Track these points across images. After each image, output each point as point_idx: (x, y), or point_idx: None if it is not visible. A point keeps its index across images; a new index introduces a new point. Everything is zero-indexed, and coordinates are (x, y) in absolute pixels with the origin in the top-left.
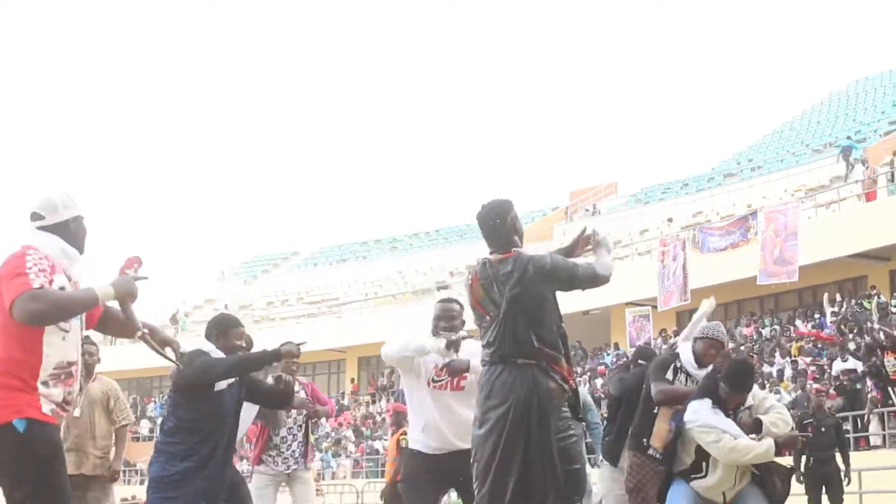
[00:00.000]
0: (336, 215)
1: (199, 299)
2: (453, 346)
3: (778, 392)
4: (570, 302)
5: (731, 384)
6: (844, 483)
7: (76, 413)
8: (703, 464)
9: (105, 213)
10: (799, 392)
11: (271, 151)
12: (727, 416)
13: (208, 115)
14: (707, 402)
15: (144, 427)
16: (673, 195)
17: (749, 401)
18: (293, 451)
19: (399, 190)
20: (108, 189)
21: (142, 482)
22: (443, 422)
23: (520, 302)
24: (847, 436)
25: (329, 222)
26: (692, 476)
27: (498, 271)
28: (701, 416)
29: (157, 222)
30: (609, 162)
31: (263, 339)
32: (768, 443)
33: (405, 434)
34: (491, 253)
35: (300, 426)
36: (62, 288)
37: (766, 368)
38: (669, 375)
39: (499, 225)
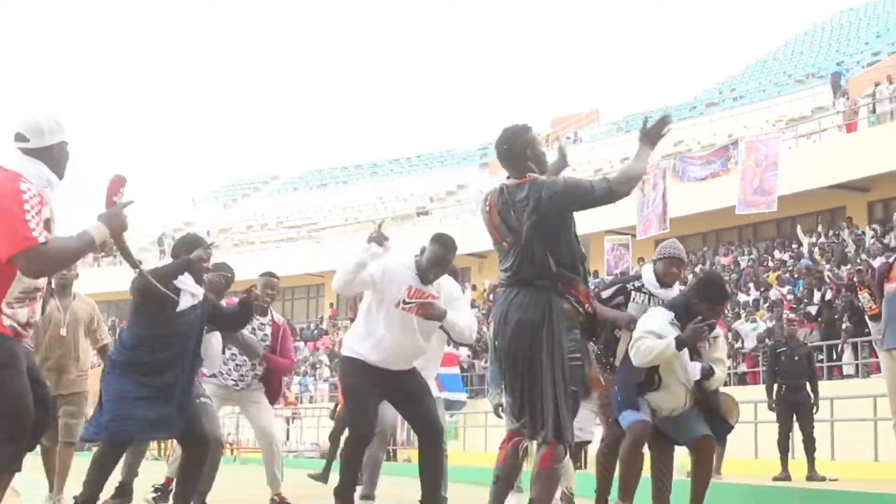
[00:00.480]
0: (317, 140)
1: (178, 222)
2: (375, 240)
3: (754, 321)
4: None
5: (703, 296)
6: (813, 412)
7: (62, 332)
8: (655, 377)
9: (86, 134)
10: (774, 322)
11: (253, 75)
12: (701, 341)
13: (191, 38)
14: (663, 311)
15: None
16: None
17: (716, 335)
18: (249, 371)
19: (380, 115)
20: (90, 109)
21: None
22: (398, 344)
23: (537, 228)
24: (821, 365)
25: (309, 147)
26: (648, 390)
27: (514, 197)
28: (644, 322)
29: (138, 144)
30: (591, 90)
31: (242, 263)
32: (668, 341)
33: None
34: (508, 178)
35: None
36: (48, 220)
37: (742, 297)
38: (635, 299)
39: (507, 150)
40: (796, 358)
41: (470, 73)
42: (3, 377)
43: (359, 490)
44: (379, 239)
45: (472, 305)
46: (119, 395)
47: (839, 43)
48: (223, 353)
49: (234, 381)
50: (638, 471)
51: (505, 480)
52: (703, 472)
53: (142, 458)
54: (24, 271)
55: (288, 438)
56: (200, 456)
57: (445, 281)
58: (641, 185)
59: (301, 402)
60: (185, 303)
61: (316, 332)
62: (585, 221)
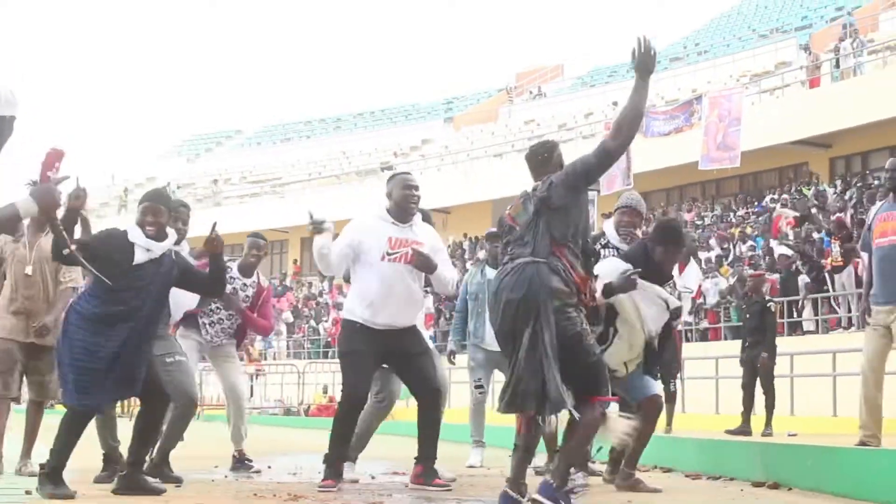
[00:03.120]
0: (280, 93)
1: (140, 177)
2: (315, 230)
3: (716, 276)
4: (512, 183)
5: (658, 238)
6: (758, 364)
7: (27, 270)
8: (610, 329)
9: (46, 87)
10: (736, 278)
11: (215, 27)
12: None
13: None
14: (615, 261)
15: None
16: (619, 78)
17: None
18: (225, 326)
19: (344, 68)
20: (51, 61)
21: None
22: (391, 296)
23: (545, 204)
24: (781, 321)
25: (273, 100)
26: (602, 346)
27: (535, 190)
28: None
29: (100, 97)
30: (556, 44)
31: (205, 219)
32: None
33: None
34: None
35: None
36: None
37: (704, 254)
38: (603, 255)
39: (545, 159)
40: (748, 315)
41: (434, 26)
42: None
43: None
44: (317, 228)
45: None
46: (77, 357)
47: None
48: (202, 307)
49: (211, 336)
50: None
51: (524, 449)
52: (647, 432)
53: (115, 425)
54: None
55: (252, 395)
56: (158, 411)
57: (428, 230)
58: None
59: (265, 360)
60: (139, 257)
61: (280, 288)
62: None
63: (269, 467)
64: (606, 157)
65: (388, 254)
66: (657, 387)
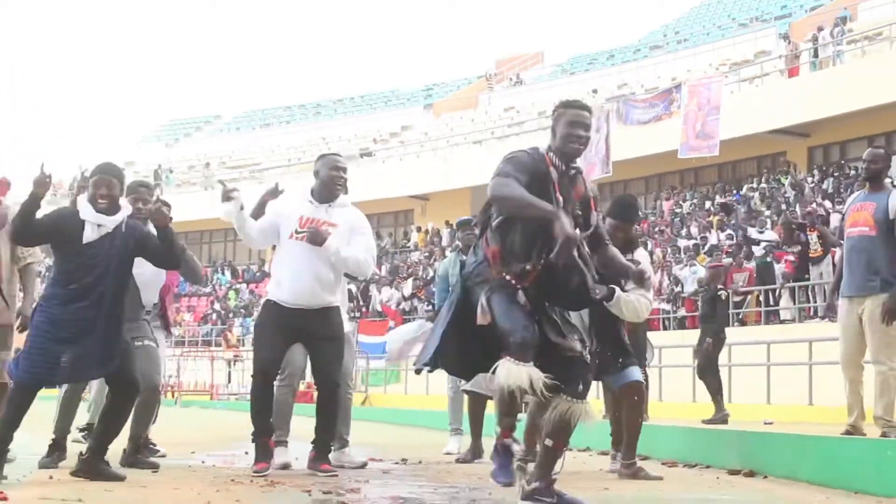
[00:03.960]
0: (260, 78)
1: (119, 162)
2: (224, 197)
3: (694, 265)
4: (491, 170)
5: (610, 213)
6: (703, 348)
7: None
8: None
9: (26, 70)
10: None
11: (195, 11)
12: None
13: None
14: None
15: None
16: (599, 66)
17: (637, 261)
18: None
19: (324, 54)
20: (30, 45)
21: None
22: (299, 275)
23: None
24: (759, 309)
25: (253, 86)
26: None
27: None
28: None
29: (77, 81)
30: (536, 31)
31: (184, 204)
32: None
33: None
34: None
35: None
36: None
37: (682, 242)
38: None
39: None
40: (699, 303)
41: (415, 12)
42: None
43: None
44: (225, 195)
45: (415, 248)
46: (35, 335)
47: None
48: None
49: None
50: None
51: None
52: (632, 418)
53: (73, 414)
54: None
55: (230, 381)
56: (126, 399)
57: (353, 213)
58: None
59: (243, 345)
60: (90, 234)
61: (259, 274)
62: None
63: (247, 453)
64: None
65: (297, 232)
66: (636, 373)
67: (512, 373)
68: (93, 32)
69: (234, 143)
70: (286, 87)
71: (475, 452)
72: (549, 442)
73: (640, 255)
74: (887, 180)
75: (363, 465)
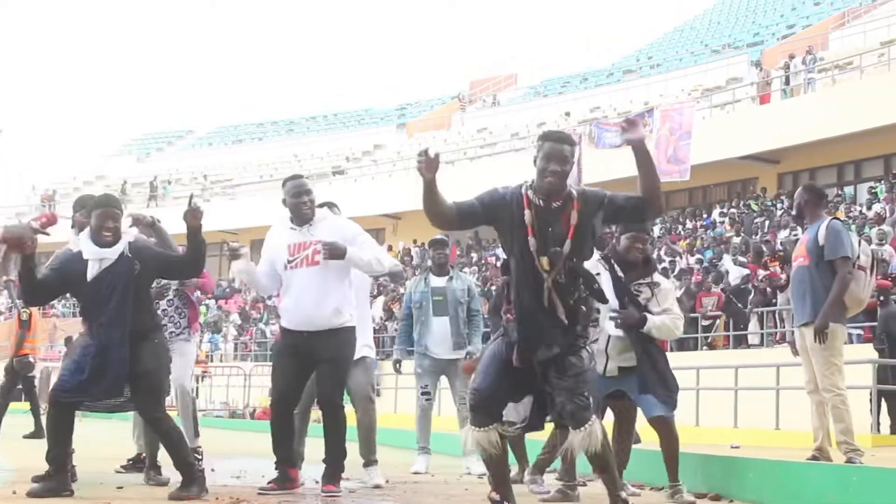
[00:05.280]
0: (233, 94)
1: (90, 175)
2: (231, 258)
3: None
4: (464, 190)
5: (627, 228)
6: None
7: None
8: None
9: None
10: (683, 290)
11: (168, 25)
12: (620, 277)
13: None
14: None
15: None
16: (572, 89)
17: (657, 283)
18: (170, 320)
19: (298, 72)
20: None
21: None
22: (300, 300)
23: None
24: (727, 334)
25: (226, 101)
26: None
27: None
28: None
29: (50, 94)
30: (510, 53)
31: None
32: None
33: None
34: None
35: (176, 292)
36: None
37: None
38: None
39: None
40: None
41: (390, 32)
42: None
43: None
44: (233, 255)
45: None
46: (67, 356)
47: (755, 14)
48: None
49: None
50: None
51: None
52: (665, 448)
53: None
54: None
55: (197, 397)
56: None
57: (333, 224)
58: None
59: (211, 361)
60: (92, 270)
61: (228, 290)
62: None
63: (213, 470)
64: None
65: (289, 262)
66: (660, 407)
67: (470, 440)
68: (65, 46)
69: (206, 158)
70: (259, 104)
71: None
72: (595, 475)
73: (657, 275)
74: (824, 211)
75: (376, 487)
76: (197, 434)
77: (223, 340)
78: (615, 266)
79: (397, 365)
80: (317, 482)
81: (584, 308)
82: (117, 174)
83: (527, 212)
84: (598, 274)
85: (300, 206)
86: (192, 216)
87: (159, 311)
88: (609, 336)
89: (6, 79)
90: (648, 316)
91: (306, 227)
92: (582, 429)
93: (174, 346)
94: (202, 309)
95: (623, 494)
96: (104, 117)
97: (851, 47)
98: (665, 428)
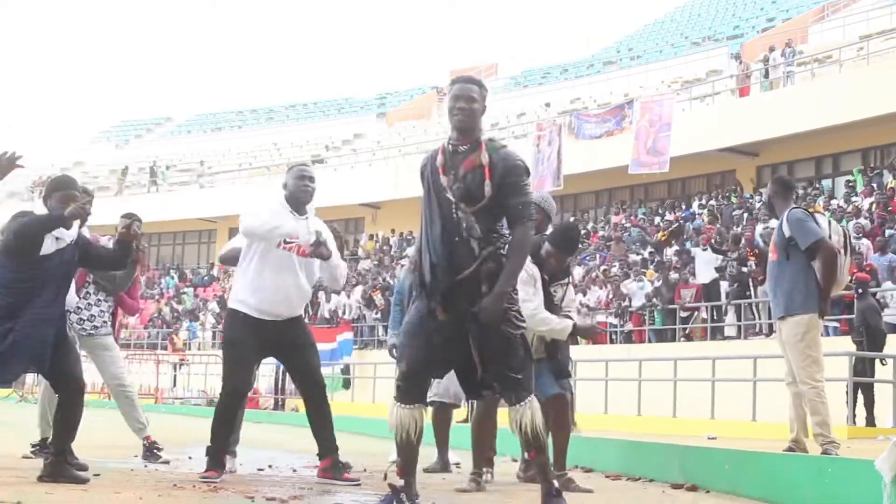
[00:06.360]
0: (212, 82)
1: (68, 162)
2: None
3: (642, 280)
4: None
5: (551, 241)
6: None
7: None
8: None
9: None
10: (661, 282)
11: (147, 12)
12: (543, 280)
13: None
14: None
15: None
16: (552, 80)
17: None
18: (95, 314)
19: (277, 59)
20: None
21: None
22: (282, 286)
23: None
24: (704, 326)
25: (205, 89)
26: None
27: None
28: None
29: (27, 81)
30: (491, 43)
31: (132, 206)
32: (567, 323)
33: None
34: None
35: (107, 293)
36: None
37: (631, 257)
38: None
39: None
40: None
41: (369, 20)
42: None
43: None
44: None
45: (366, 255)
46: None
47: (735, 7)
48: (78, 294)
49: (86, 327)
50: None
51: None
52: (560, 431)
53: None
54: None
55: (175, 385)
56: (73, 396)
57: (323, 226)
58: (537, 141)
59: (189, 349)
60: (48, 247)
61: (206, 278)
62: None
63: (190, 458)
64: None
65: (286, 242)
66: (559, 385)
67: (393, 416)
68: (44, 34)
69: (184, 146)
70: (239, 91)
71: (443, 465)
72: (527, 455)
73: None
74: (791, 202)
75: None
76: (145, 424)
77: (201, 328)
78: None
79: (393, 350)
80: (323, 477)
81: (494, 264)
82: (95, 161)
83: (440, 156)
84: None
85: (302, 189)
86: (127, 237)
87: (78, 303)
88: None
89: None
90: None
91: (304, 217)
92: (518, 406)
93: (96, 341)
94: (184, 298)
95: (556, 482)
96: (82, 104)
97: (831, 41)
98: (562, 406)
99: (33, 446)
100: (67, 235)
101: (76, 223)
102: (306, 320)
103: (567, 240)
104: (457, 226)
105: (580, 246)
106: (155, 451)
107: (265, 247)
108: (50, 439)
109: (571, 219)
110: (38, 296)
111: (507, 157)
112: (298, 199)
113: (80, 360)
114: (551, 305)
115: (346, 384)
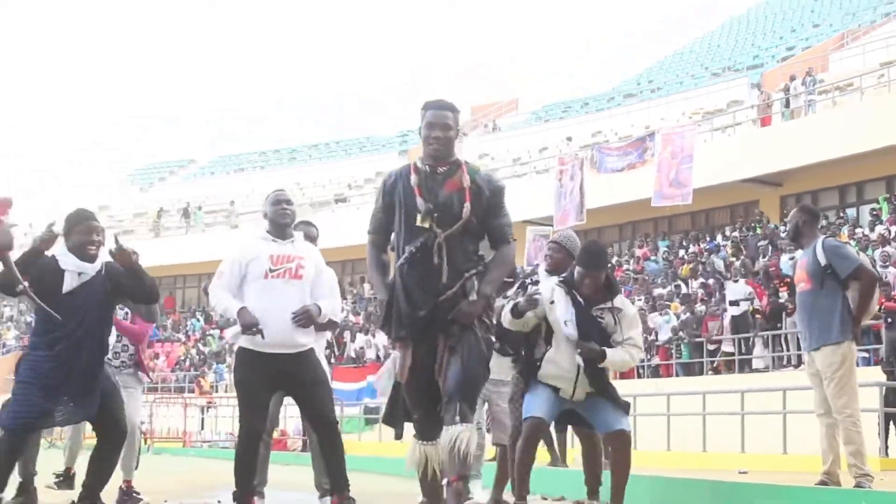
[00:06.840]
0: (235, 123)
1: (93, 206)
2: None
3: (667, 313)
4: None
5: (578, 261)
6: None
7: None
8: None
9: None
10: (688, 314)
11: (170, 53)
12: (580, 302)
13: (106, 15)
14: (555, 279)
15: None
16: (573, 114)
17: (619, 308)
18: (119, 350)
19: (299, 99)
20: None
21: None
22: (277, 313)
23: None
24: (732, 358)
25: (227, 130)
26: (538, 363)
27: None
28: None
29: (52, 125)
30: (511, 78)
31: (158, 247)
32: (507, 304)
33: None
34: None
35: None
36: None
37: (657, 291)
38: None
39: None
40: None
41: (390, 59)
42: None
43: None
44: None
45: None
46: (20, 381)
47: (755, 37)
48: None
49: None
50: (528, 468)
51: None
52: (619, 468)
53: (36, 454)
54: None
55: (203, 428)
56: (114, 442)
57: (309, 248)
58: (559, 175)
59: (216, 391)
60: (69, 283)
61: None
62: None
63: (219, 502)
64: None
65: (271, 270)
66: (623, 422)
67: (415, 453)
68: (68, 74)
69: (208, 187)
70: (261, 132)
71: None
72: (444, 481)
73: (620, 300)
74: (818, 231)
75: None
76: (134, 469)
77: (228, 370)
78: (574, 291)
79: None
80: None
81: (473, 282)
82: (119, 205)
83: (413, 176)
84: (552, 302)
85: (280, 213)
86: (122, 259)
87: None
88: (579, 365)
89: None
90: (608, 351)
91: (288, 241)
92: (460, 425)
93: (120, 380)
94: (210, 340)
95: None
96: (107, 148)
97: (851, 69)
98: (624, 442)
99: (57, 476)
100: (90, 269)
101: (102, 256)
102: (331, 360)
103: (590, 255)
104: (433, 248)
105: (607, 260)
106: (134, 495)
107: (255, 280)
108: (72, 469)
109: None
110: (74, 332)
111: (491, 180)
112: (278, 223)
113: (125, 403)
114: (593, 330)
115: (371, 423)
